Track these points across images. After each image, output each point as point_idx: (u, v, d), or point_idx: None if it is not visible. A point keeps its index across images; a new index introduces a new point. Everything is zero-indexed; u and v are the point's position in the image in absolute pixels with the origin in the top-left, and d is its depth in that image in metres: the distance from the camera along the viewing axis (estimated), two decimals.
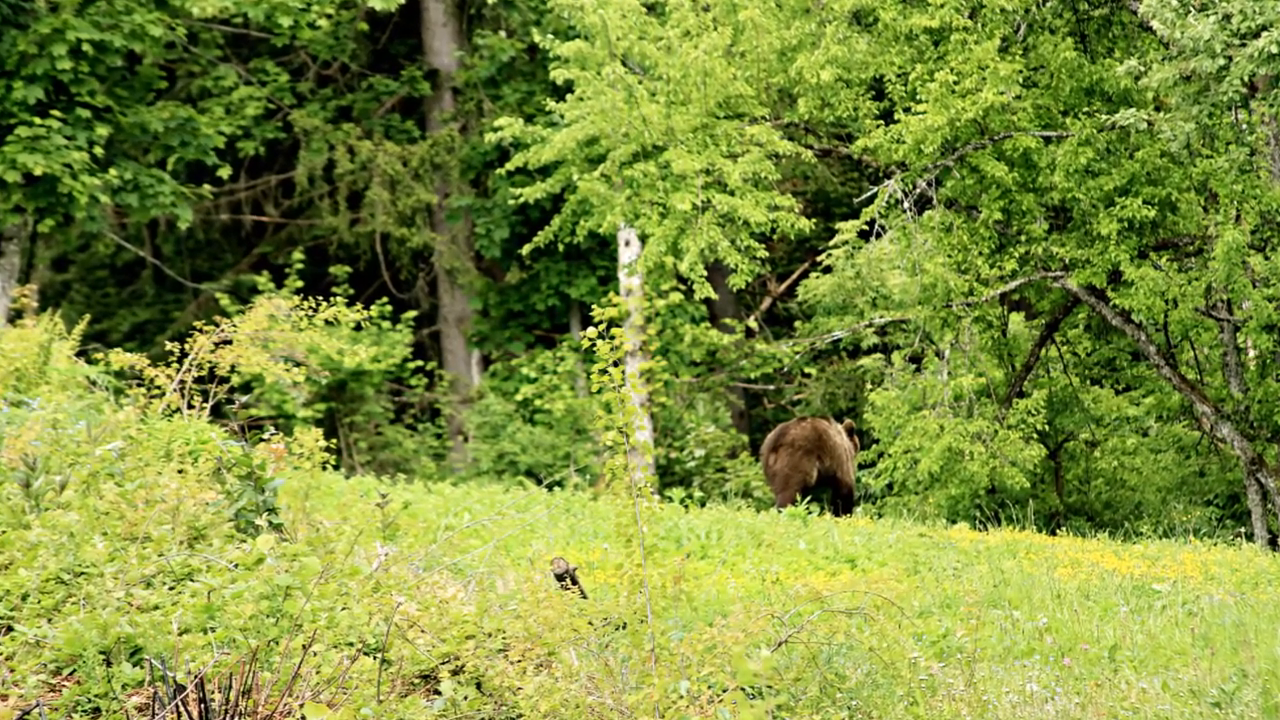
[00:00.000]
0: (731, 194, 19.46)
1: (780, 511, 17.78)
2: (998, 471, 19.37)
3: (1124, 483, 21.50)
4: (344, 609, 7.22)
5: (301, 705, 6.44)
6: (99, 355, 15.33)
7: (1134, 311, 18.55)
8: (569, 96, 20.16)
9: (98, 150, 24.47)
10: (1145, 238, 18.73)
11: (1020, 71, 18.56)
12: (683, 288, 28.47)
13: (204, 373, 12.22)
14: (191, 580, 7.51)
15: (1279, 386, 18.95)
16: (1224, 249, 17.27)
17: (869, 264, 26.51)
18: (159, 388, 11.66)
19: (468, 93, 31.35)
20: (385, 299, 30.01)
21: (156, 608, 7.14)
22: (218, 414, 13.18)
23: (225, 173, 27.22)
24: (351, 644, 7.05)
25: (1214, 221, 18.02)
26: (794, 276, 31.88)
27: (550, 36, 20.54)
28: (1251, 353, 19.87)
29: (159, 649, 6.66)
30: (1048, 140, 18.82)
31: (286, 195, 32.70)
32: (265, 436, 10.38)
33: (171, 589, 7.46)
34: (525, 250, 21.33)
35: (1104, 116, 18.11)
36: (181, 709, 6.24)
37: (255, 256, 33.18)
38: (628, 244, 27.27)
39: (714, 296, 20.02)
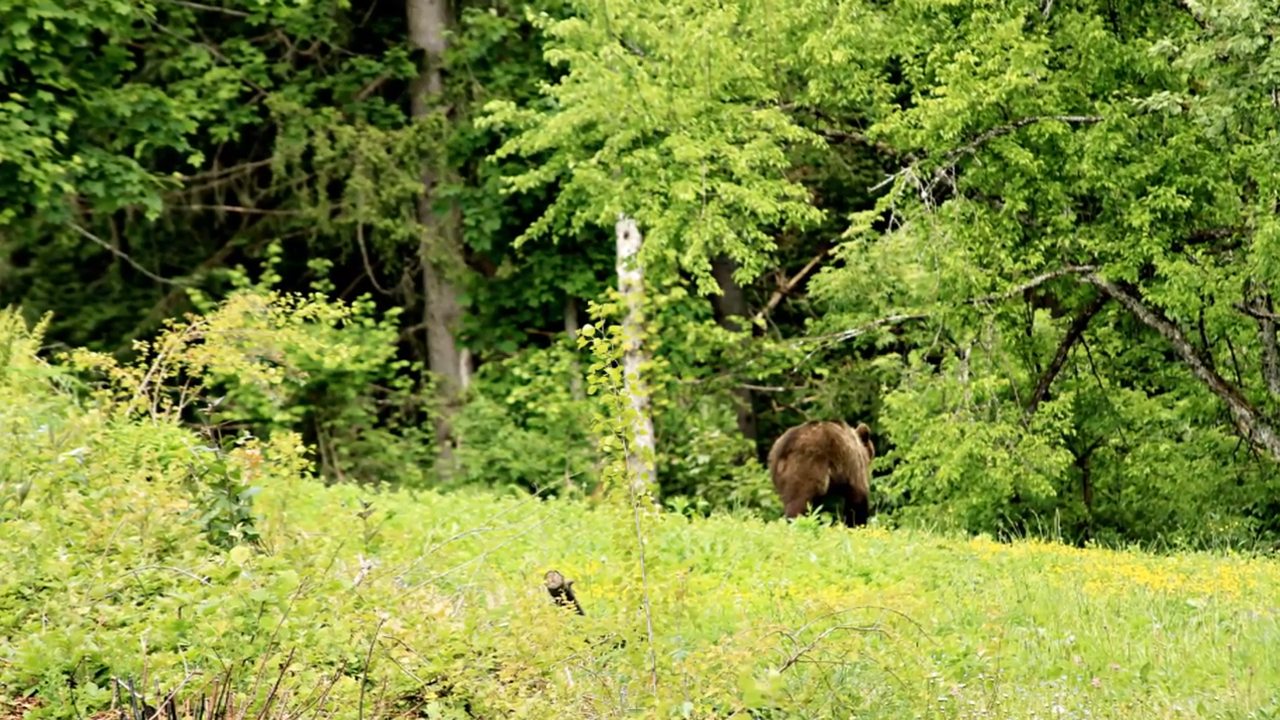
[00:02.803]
0: (738, 182, 19.46)
1: (790, 522, 17.78)
2: (1022, 479, 19.38)
3: (1157, 491, 21.50)
4: (324, 626, 7.23)
5: None
6: (62, 355, 15.33)
7: (1167, 308, 18.55)
8: (564, 79, 20.16)
9: (61, 136, 24.46)
10: (1179, 229, 18.73)
11: (1046, 52, 18.56)
12: (685, 283, 28.49)
13: (174, 374, 12.23)
14: (161, 595, 7.51)
15: None
16: (1264, 241, 17.27)
17: (884, 257, 26.51)
18: (126, 389, 11.67)
19: (456, 74, 31.37)
20: (368, 295, 30.01)
21: (124, 624, 7.14)
22: (189, 417, 13.19)
23: (197, 160, 27.22)
24: (332, 663, 7.05)
25: (1253, 212, 18.02)
26: (804, 271, 31.89)
27: (544, 15, 20.55)
28: None
29: (126, 668, 6.66)
30: (1075, 125, 18.83)
31: (262, 184, 32.71)
32: (240, 442, 10.39)
33: (140, 604, 7.46)
34: (518, 243, 21.34)
35: (1135, 100, 18.11)
36: None
37: (229, 249, 33.19)
38: (627, 236, 27.27)
39: (719, 292, 20.02)
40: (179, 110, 26.42)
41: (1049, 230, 19.18)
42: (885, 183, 19.57)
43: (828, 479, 20.50)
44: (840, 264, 27.74)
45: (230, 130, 29.73)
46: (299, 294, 13.74)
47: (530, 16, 21.03)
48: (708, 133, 19.52)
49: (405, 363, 31.01)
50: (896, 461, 21.19)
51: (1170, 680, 9.52)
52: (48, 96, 24.39)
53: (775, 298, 32.11)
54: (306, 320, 13.60)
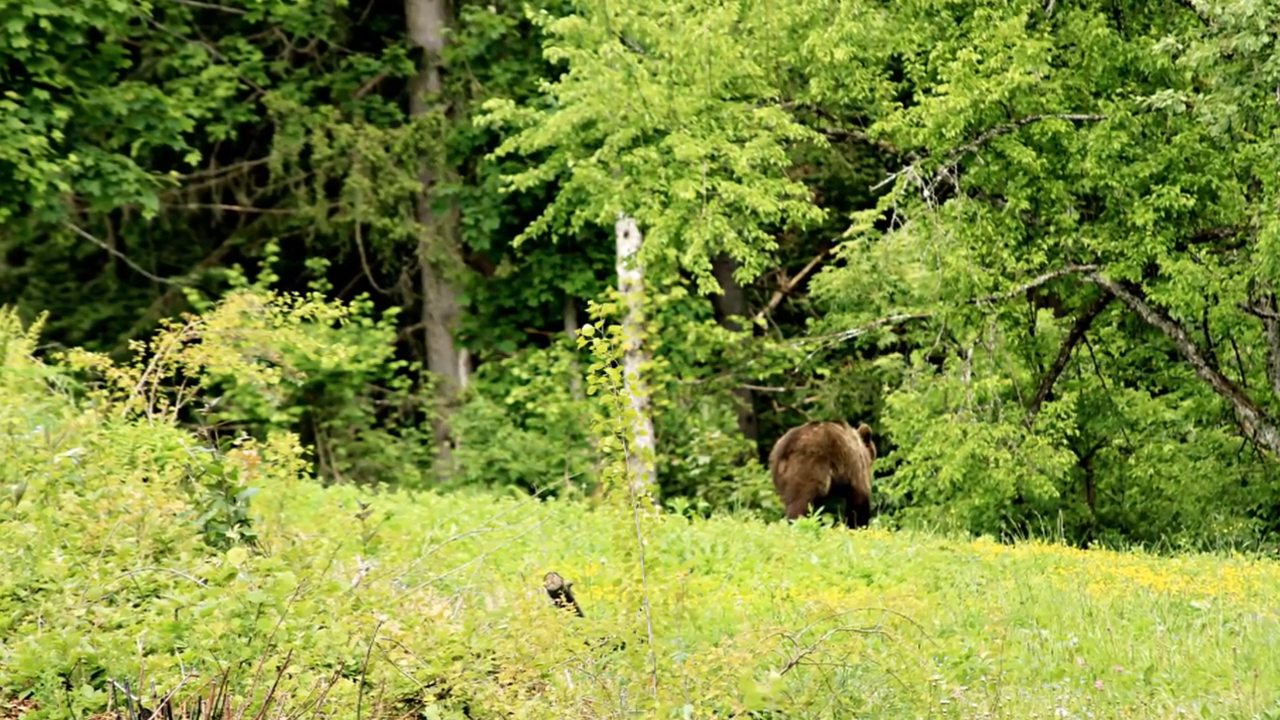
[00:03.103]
0: (738, 181, 19.46)
1: (791, 523, 17.78)
2: (1025, 480, 19.37)
3: (1160, 492, 21.50)
4: (322, 628, 7.23)
5: None
6: (58, 355, 15.34)
7: (1171, 308, 18.55)
8: (564, 76, 20.16)
9: (57, 134, 24.46)
10: (1183, 228, 18.73)
11: (1049, 50, 18.57)
12: (686, 282, 28.49)
13: (171, 374, 12.24)
14: (158, 597, 7.51)
15: None
16: (1268, 240, 17.27)
17: (886, 257, 26.51)
18: (123, 390, 11.67)
19: (455, 72, 31.37)
20: (366, 294, 29.99)
21: (120, 626, 7.14)
22: (186, 418, 13.19)
23: (194, 158, 27.22)
24: (330, 665, 7.06)
25: (1257, 211, 18.02)
26: (805, 270, 31.89)
27: (543, 12, 20.55)
28: None
29: (122, 671, 6.66)
30: (1078, 124, 18.83)
31: (260, 183, 32.71)
32: (237, 442, 10.40)
33: (136, 606, 7.46)
34: (517, 242, 21.34)
35: (1139, 98, 18.11)
36: None
37: (226, 249, 33.19)
38: (627, 235, 27.27)
39: (719, 292, 20.02)
40: (175, 108, 26.42)
41: (1052, 229, 19.18)
42: (887, 181, 19.57)
43: (829, 480, 20.50)
44: (842, 263, 27.73)
45: (227, 129, 29.73)
46: (296, 293, 13.75)
47: (529, 14, 21.03)
48: (708, 131, 19.52)
49: (403, 363, 31.00)
50: (898, 462, 21.19)
51: (1174, 683, 9.52)
52: (43, 94, 24.39)
53: (776, 297, 32.12)
54: (304, 320, 13.61)
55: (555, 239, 21.55)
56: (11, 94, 24.13)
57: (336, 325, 28.41)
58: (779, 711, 7.16)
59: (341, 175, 31.11)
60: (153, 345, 12.22)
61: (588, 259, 30.89)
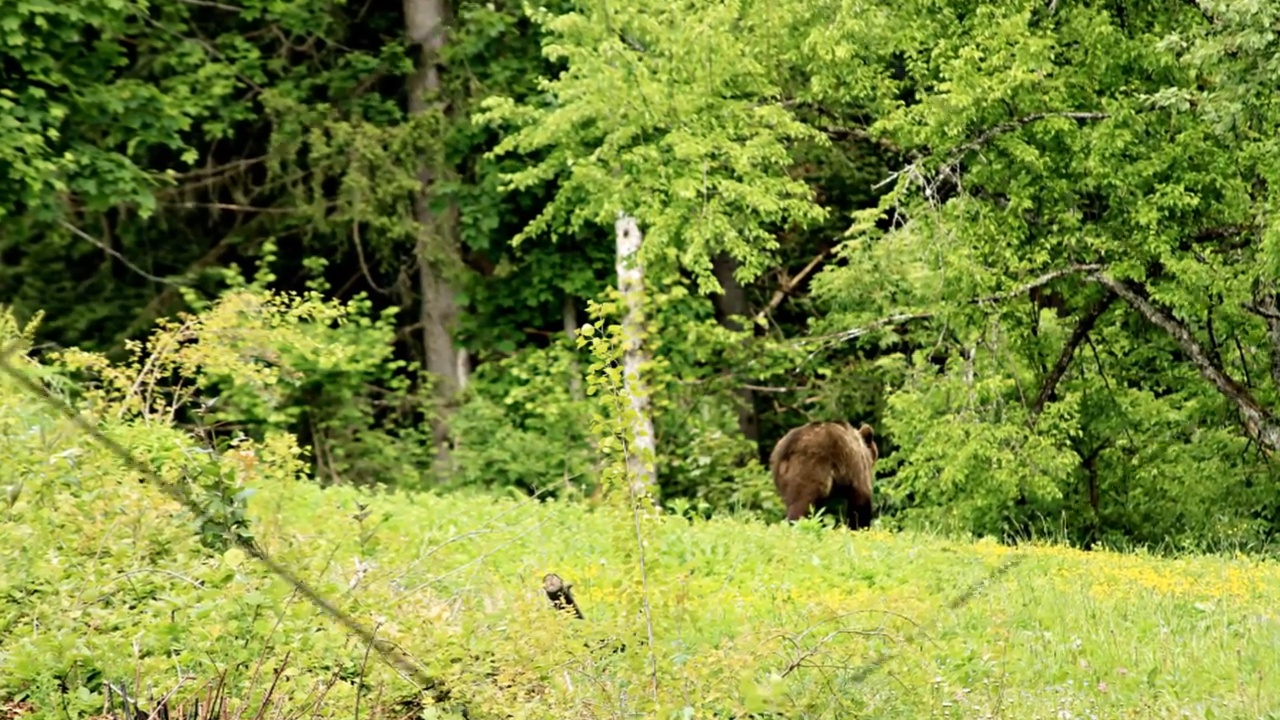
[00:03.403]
0: (739, 180, 19.46)
1: (792, 524, 17.78)
2: (1028, 481, 19.37)
3: (1164, 493, 21.50)
4: (319, 630, 7.23)
5: None
6: (54, 355, 15.33)
7: (1175, 307, 18.55)
8: (563, 74, 20.16)
9: (52, 133, 24.46)
10: (1187, 227, 18.73)
11: (1052, 47, 18.57)
12: (686, 282, 28.48)
13: (167, 374, 12.24)
14: (154, 598, 7.51)
15: None
16: (1273, 239, 17.27)
17: (888, 256, 26.51)
18: (119, 390, 11.68)
19: (453, 70, 31.37)
20: (364, 294, 30.00)
21: (116, 628, 7.14)
22: (182, 418, 13.19)
23: (191, 157, 27.22)
24: (327, 668, 7.05)
25: (1262, 210, 18.02)
26: (807, 269, 31.89)
27: (543, 10, 20.55)
28: None
29: (119, 673, 6.66)
30: (1082, 122, 18.83)
31: (257, 181, 32.71)
32: (234, 443, 10.40)
33: (132, 608, 7.46)
34: (516, 241, 21.35)
35: (1143, 96, 18.12)
36: None
37: (223, 248, 33.19)
38: (627, 234, 27.27)
39: (720, 291, 20.02)
40: (172, 107, 26.42)
41: (1055, 228, 19.18)
42: (889, 180, 19.57)
43: (830, 481, 20.49)
44: (843, 262, 27.74)
45: (224, 127, 29.73)
46: (294, 293, 13.74)
47: (529, 11, 21.03)
48: (709, 129, 19.52)
49: (402, 363, 31.00)
50: (900, 463, 21.19)
51: (1178, 685, 9.52)
52: (39, 93, 24.38)
53: (777, 297, 32.11)
54: (301, 320, 13.61)
55: (554, 238, 21.53)
56: (7, 92, 24.13)
57: (334, 325, 28.41)
58: (780, 714, 7.16)
59: (339, 174, 31.11)
60: (149, 345, 12.22)
61: (587, 258, 30.89)
